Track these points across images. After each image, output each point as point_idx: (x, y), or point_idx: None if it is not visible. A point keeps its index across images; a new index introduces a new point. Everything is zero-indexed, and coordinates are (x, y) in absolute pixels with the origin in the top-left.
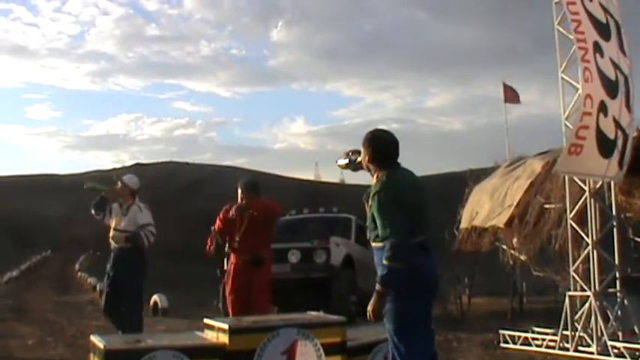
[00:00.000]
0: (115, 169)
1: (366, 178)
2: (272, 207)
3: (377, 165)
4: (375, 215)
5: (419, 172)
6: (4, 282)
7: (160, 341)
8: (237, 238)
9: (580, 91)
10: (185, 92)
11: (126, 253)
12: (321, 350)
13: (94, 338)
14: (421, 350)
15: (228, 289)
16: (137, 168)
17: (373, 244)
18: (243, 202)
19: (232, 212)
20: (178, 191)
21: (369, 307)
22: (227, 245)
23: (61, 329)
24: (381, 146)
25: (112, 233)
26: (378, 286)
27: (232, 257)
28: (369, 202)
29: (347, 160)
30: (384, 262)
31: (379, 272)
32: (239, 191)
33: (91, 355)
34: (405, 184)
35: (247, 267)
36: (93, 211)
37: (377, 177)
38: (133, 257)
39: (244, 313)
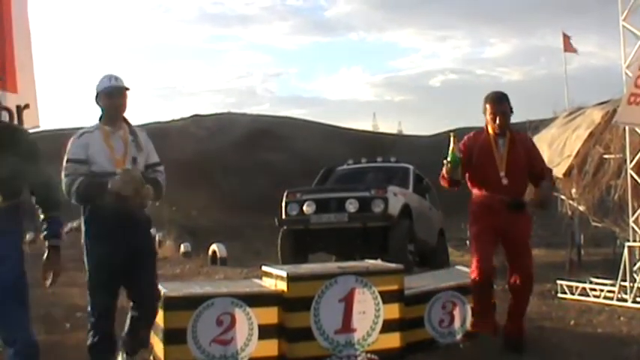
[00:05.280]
0: (173, 120)
1: (424, 129)
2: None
3: None
4: None
5: (477, 122)
6: (64, 232)
7: (219, 289)
8: (501, 173)
9: None
10: (242, 43)
11: (144, 209)
12: (379, 298)
13: None
14: None
15: (474, 230)
16: (195, 119)
17: None
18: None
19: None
20: (236, 142)
21: None
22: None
23: None
24: None
25: (123, 176)
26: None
27: (478, 195)
28: None
29: None
30: None
31: None
32: (490, 107)
33: None
34: None
35: (507, 210)
36: (77, 199)
37: None
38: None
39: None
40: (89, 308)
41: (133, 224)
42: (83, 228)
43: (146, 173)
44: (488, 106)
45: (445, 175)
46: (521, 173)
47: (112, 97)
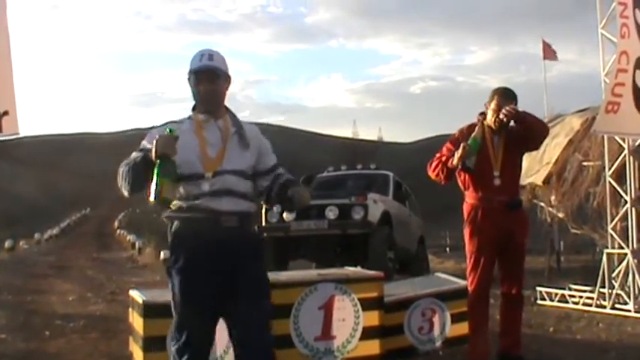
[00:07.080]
0: (153, 127)
1: (404, 136)
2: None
3: None
4: None
5: (457, 129)
6: (44, 239)
7: None
8: (495, 173)
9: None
10: (223, 50)
11: (254, 231)
12: (359, 305)
13: (132, 293)
14: None
15: (473, 245)
16: None
17: None
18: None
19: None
20: None
21: None
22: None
23: (100, 285)
24: None
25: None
26: None
27: (473, 197)
28: None
29: None
30: None
31: None
32: (497, 100)
33: (130, 310)
34: None
35: (505, 212)
36: (129, 187)
37: None
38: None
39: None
40: (174, 342)
41: (233, 246)
42: (169, 255)
43: (261, 181)
44: (496, 97)
45: (453, 162)
46: (516, 172)
47: (202, 79)
